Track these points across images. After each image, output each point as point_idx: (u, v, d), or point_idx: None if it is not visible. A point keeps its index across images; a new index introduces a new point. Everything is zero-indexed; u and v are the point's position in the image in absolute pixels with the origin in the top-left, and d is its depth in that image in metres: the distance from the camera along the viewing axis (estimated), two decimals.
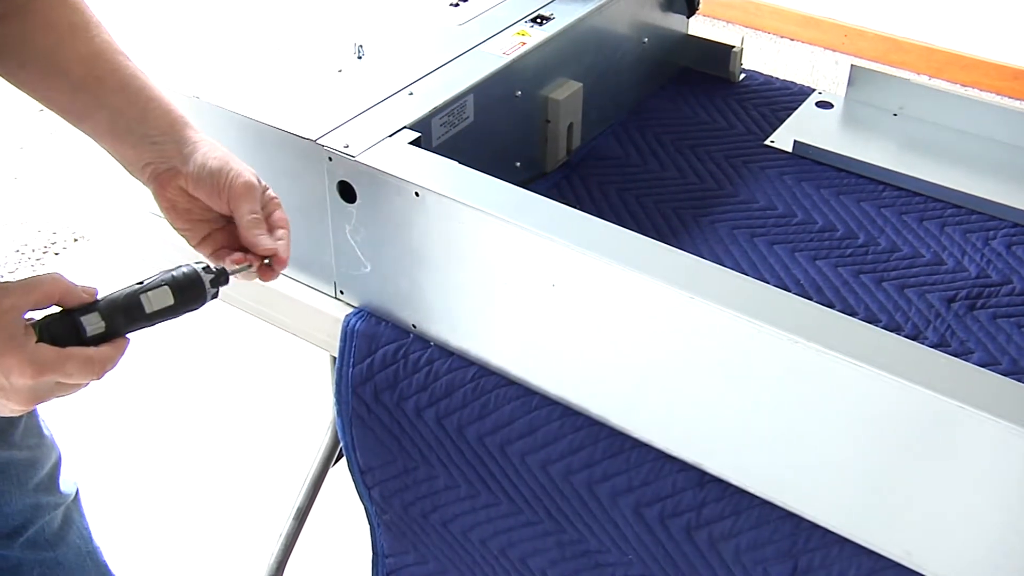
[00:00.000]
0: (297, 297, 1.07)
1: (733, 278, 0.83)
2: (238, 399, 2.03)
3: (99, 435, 1.91)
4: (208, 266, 0.81)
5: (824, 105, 1.36)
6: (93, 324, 0.75)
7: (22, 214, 2.47)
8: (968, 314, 1.05)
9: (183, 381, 2.07)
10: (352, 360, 1.03)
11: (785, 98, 1.38)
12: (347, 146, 0.95)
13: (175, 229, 0.88)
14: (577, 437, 0.94)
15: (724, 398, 0.84)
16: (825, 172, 1.25)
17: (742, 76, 1.42)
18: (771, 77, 1.43)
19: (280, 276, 1.06)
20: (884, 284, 1.08)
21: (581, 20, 1.18)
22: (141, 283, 0.78)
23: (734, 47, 1.40)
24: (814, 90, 1.39)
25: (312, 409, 1.90)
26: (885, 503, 0.81)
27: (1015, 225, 1.17)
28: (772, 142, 1.30)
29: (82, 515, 1.35)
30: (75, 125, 0.89)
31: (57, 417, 1.38)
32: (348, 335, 1.03)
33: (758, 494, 0.87)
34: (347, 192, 0.96)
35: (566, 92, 1.17)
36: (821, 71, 3.07)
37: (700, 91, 1.39)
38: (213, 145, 0.87)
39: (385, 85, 1.04)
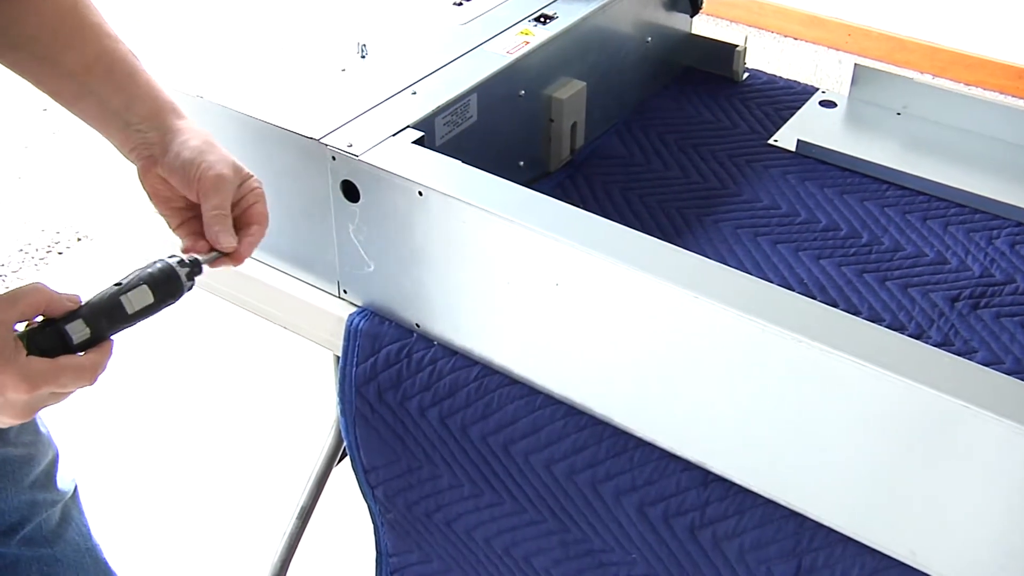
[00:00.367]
0: (300, 296, 1.07)
1: (737, 277, 0.83)
2: (242, 398, 2.03)
3: (102, 433, 1.92)
4: (182, 259, 0.81)
5: (828, 104, 1.36)
6: (78, 332, 0.75)
7: (25, 213, 2.48)
8: (972, 313, 1.04)
9: (186, 380, 2.07)
10: (355, 359, 1.03)
11: (789, 97, 1.38)
12: (350, 145, 0.95)
13: (157, 211, 0.88)
14: (581, 436, 0.94)
15: (728, 397, 0.84)
16: (829, 171, 1.25)
17: (746, 75, 1.42)
18: (775, 76, 1.43)
19: (283, 275, 1.06)
20: (888, 283, 1.08)
21: (585, 19, 1.18)
22: (119, 284, 0.78)
23: (738, 46, 1.40)
24: (817, 89, 1.39)
25: (315, 408, 1.90)
26: (889, 502, 0.80)
27: (1019, 224, 1.16)
28: (776, 141, 1.30)
29: (81, 512, 1.35)
30: (66, 108, 0.89)
31: (59, 415, 1.38)
32: (351, 334, 1.03)
33: (762, 493, 0.87)
34: (350, 191, 0.96)
35: (570, 91, 1.17)
36: (825, 70, 3.07)
37: (704, 90, 1.39)
38: (194, 133, 0.86)
39: (388, 84, 1.04)
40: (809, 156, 1.27)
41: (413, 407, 1.01)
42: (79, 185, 2.53)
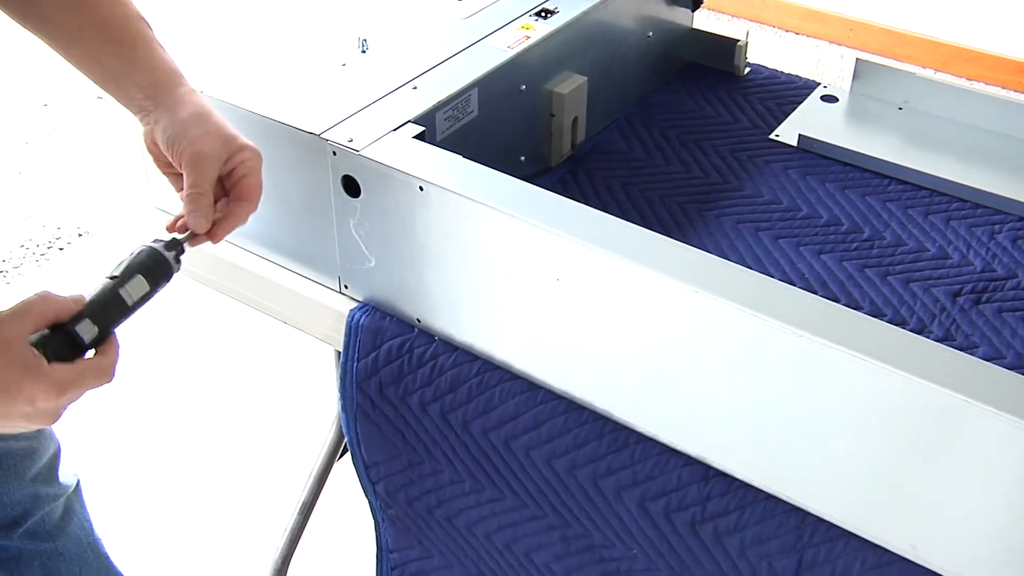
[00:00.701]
0: (301, 291, 1.07)
1: (738, 272, 0.83)
2: (243, 394, 2.03)
3: (104, 430, 1.92)
4: (165, 242, 0.83)
5: (829, 99, 1.36)
6: (87, 331, 0.77)
7: (27, 209, 2.48)
8: (973, 308, 1.04)
9: (187, 376, 2.07)
10: (356, 355, 1.03)
11: (790, 92, 1.38)
12: (351, 140, 0.95)
13: (162, 174, 0.90)
14: (582, 431, 0.94)
15: (729, 392, 0.84)
16: (830, 166, 1.25)
17: (747, 70, 1.42)
18: (776, 71, 1.43)
19: (284, 270, 1.06)
20: (889, 278, 1.08)
21: (586, 14, 1.17)
22: (114, 277, 0.79)
23: (739, 41, 1.40)
24: (819, 84, 1.39)
25: (316, 404, 1.90)
26: (890, 497, 0.80)
27: (1021, 219, 1.16)
28: (777, 136, 1.30)
29: (83, 507, 1.36)
30: (78, 69, 0.90)
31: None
32: (352, 330, 1.03)
33: (763, 488, 0.87)
34: (351, 186, 0.96)
35: (571, 86, 1.17)
36: (826, 65, 3.06)
37: (705, 85, 1.39)
38: (186, 105, 0.87)
39: (389, 79, 1.04)
40: (811, 151, 1.27)
41: (414, 403, 1.01)
42: (80, 181, 2.53)
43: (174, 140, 0.86)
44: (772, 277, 0.84)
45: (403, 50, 1.09)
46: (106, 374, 0.78)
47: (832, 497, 0.84)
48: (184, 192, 0.86)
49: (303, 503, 1.36)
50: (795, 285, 1.02)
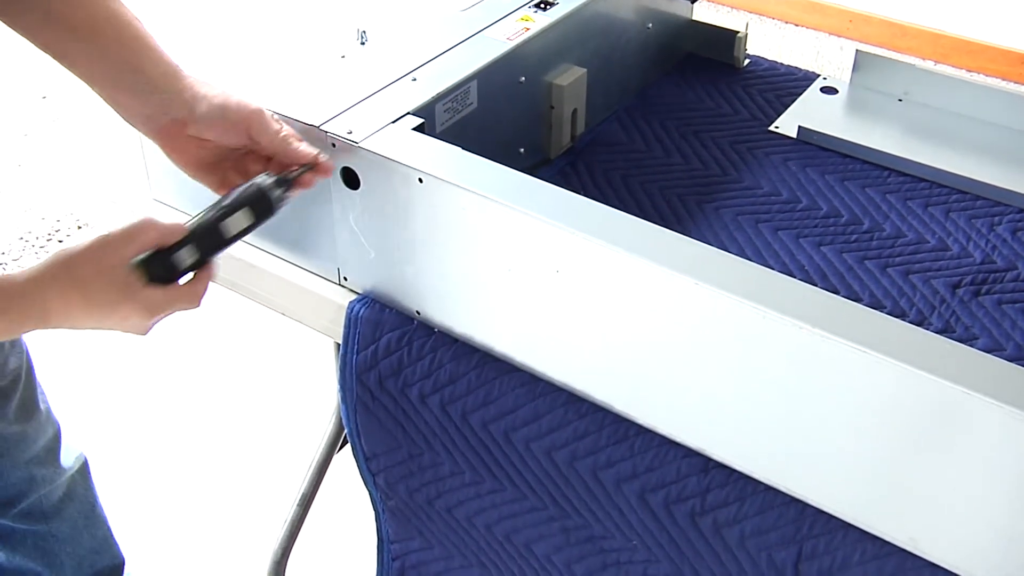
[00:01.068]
0: (301, 284, 1.07)
1: (738, 264, 0.83)
2: (242, 386, 2.03)
3: (104, 423, 1.92)
4: (274, 180, 0.86)
5: (829, 91, 1.36)
6: (186, 258, 0.82)
7: (26, 201, 2.47)
8: (973, 300, 1.04)
9: (188, 369, 2.07)
10: (356, 347, 1.03)
11: (790, 84, 1.38)
12: (350, 132, 0.95)
13: (194, 178, 0.91)
14: (582, 423, 0.94)
15: (729, 384, 0.84)
16: (830, 158, 1.25)
17: (747, 62, 1.42)
18: (776, 63, 1.42)
19: (283, 263, 1.06)
20: (889, 270, 1.08)
21: (585, 5, 1.17)
22: (217, 209, 0.84)
23: (739, 32, 1.40)
24: (819, 76, 1.39)
25: (316, 396, 1.91)
26: (890, 489, 0.81)
27: (1020, 211, 1.16)
28: (777, 128, 1.30)
29: (89, 489, 1.36)
30: (73, 72, 0.91)
31: (64, 398, 1.38)
32: (352, 322, 1.03)
33: (763, 480, 0.88)
34: (351, 178, 0.96)
35: (570, 78, 1.17)
36: (826, 56, 3.06)
37: (704, 77, 1.39)
38: (206, 84, 0.89)
39: (388, 71, 1.04)
40: (810, 143, 1.27)
41: (414, 394, 1.01)
42: (79, 173, 2.53)
43: (225, 107, 0.87)
44: (772, 269, 0.84)
45: (402, 42, 1.09)
46: (195, 300, 0.83)
47: (831, 489, 0.84)
48: (275, 139, 0.88)
49: (303, 495, 1.36)
50: (794, 277, 1.02)
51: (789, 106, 1.33)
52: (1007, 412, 0.71)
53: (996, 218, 1.15)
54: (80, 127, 2.65)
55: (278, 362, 2.08)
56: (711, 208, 1.16)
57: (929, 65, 2.05)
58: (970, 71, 2.87)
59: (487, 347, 0.98)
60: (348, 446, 1.12)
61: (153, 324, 0.83)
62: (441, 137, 1.00)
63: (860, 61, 1.34)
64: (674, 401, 0.89)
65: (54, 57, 0.90)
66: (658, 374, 0.88)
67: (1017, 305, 1.04)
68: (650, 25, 1.32)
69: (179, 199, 1.13)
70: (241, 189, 0.85)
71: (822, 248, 1.10)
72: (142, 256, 0.79)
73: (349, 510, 1.62)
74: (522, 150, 1.17)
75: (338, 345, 1.05)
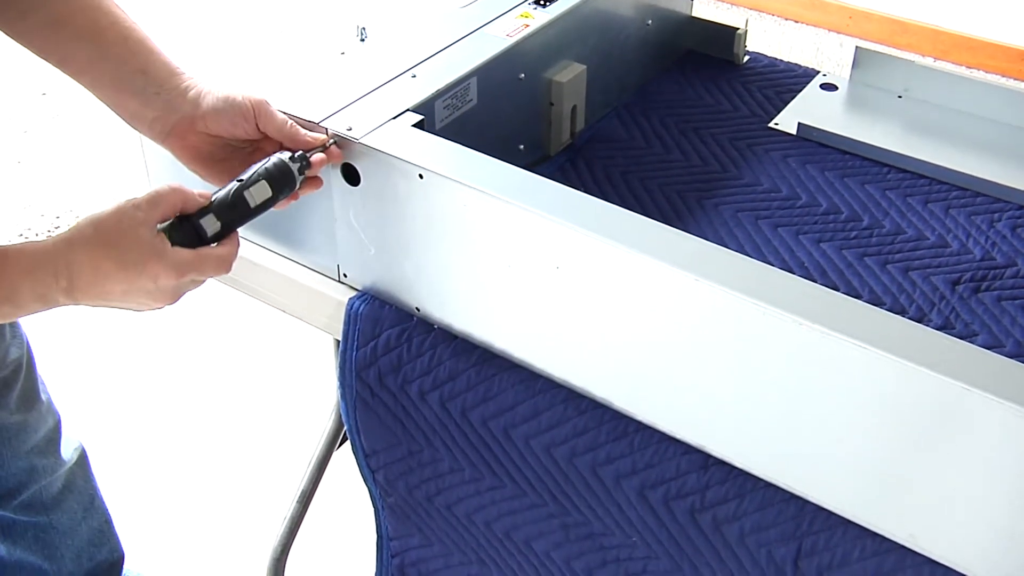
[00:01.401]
0: (300, 280, 1.07)
1: (737, 260, 0.83)
2: (242, 383, 2.03)
3: (103, 420, 1.92)
4: (293, 155, 0.88)
5: (829, 87, 1.36)
6: (211, 225, 0.84)
7: (26, 198, 2.47)
8: (972, 296, 1.04)
9: (188, 365, 2.07)
10: (356, 344, 1.03)
11: (789, 80, 1.38)
12: (350, 129, 0.95)
13: (204, 177, 0.92)
14: (581, 420, 0.94)
15: (728, 380, 0.84)
16: (829, 154, 1.24)
17: (746, 58, 1.42)
18: (775, 59, 1.42)
19: (283, 259, 1.06)
20: (888, 267, 1.08)
21: (585, 2, 1.17)
22: (240, 180, 0.86)
23: (738, 29, 1.39)
24: (819, 72, 1.38)
25: (316, 392, 1.91)
26: (889, 485, 0.81)
27: (1020, 207, 1.16)
28: (776, 124, 1.30)
29: (89, 481, 1.36)
30: (75, 78, 0.92)
31: (64, 394, 1.38)
32: (352, 318, 1.03)
33: (762, 476, 0.88)
34: (351, 175, 0.96)
35: (570, 74, 1.17)
36: (826, 53, 3.06)
37: (704, 73, 1.39)
38: (207, 81, 0.91)
39: (388, 67, 1.04)
40: (810, 139, 1.27)
41: (413, 391, 1.01)
42: (79, 170, 2.53)
43: (232, 101, 0.89)
44: (771, 265, 0.84)
45: (402, 38, 1.09)
46: (225, 264, 0.84)
47: (831, 485, 0.84)
48: (284, 128, 0.90)
49: (302, 491, 1.36)
50: (794, 273, 1.02)
51: (789, 103, 1.33)
52: (1007, 408, 0.71)
53: (996, 215, 1.15)
54: (80, 124, 2.65)
55: (278, 359, 2.08)
56: (711, 204, 1.16)
57: (929, 62, 2.04)
58: (970, 67, 2.87)
59: (487, 344, 0.98)
60: (348, 443, 1.12)
61: (183, 290, 0.83)
62: (441, 134, 0.99)
63: (860, 57, 1.34)
64: (674, 398, 0.89)
65: (55, 63, 0.90)
66: (658, 371, 0.88)
67: (1017, 302, 1.04)
68: (650, 22, 1.32)
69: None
70: (261, 163, 0.87)
71: (822, 244, 1.10)
72: (169, 221, 0.82)
73: (348, 507, 1.62)
74: (522, 147, 1.17)
75: (337, 342, 1.05)
